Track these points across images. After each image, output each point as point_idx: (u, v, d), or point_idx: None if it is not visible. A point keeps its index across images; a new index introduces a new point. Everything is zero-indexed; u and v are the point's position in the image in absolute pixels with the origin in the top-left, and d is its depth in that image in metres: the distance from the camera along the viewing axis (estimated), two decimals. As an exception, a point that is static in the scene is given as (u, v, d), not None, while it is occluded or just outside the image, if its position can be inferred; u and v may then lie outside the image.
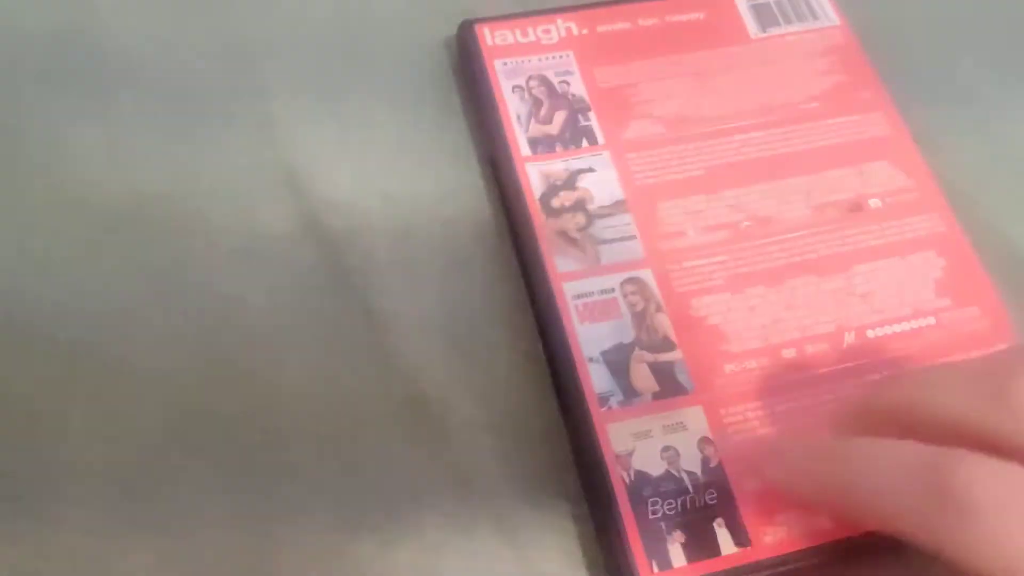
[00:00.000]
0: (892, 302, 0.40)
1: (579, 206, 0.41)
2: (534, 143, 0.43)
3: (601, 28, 0.47)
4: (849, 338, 0.39)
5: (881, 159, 0.44)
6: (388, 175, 0.43)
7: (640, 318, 0.39)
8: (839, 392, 0.37)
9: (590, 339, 0.38)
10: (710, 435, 0.36)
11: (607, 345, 0.38)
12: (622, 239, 0.41)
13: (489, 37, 0.46)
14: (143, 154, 0.43)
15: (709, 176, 0.43)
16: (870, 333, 0.39)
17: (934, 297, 0.40)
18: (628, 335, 0.38)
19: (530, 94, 0.44)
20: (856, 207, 0.42)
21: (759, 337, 0.39)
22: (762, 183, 0.43)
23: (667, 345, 0.38)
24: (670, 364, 0.38)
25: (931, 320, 0.40)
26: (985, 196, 0.45)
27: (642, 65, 0.46)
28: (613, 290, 0.39)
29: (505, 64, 0.45)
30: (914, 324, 0.39)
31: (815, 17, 0.48)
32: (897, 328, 0.39)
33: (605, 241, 0.40)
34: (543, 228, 0.41)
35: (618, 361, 0.38)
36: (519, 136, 0.43)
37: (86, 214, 0.41)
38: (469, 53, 0.46)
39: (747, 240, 0.41)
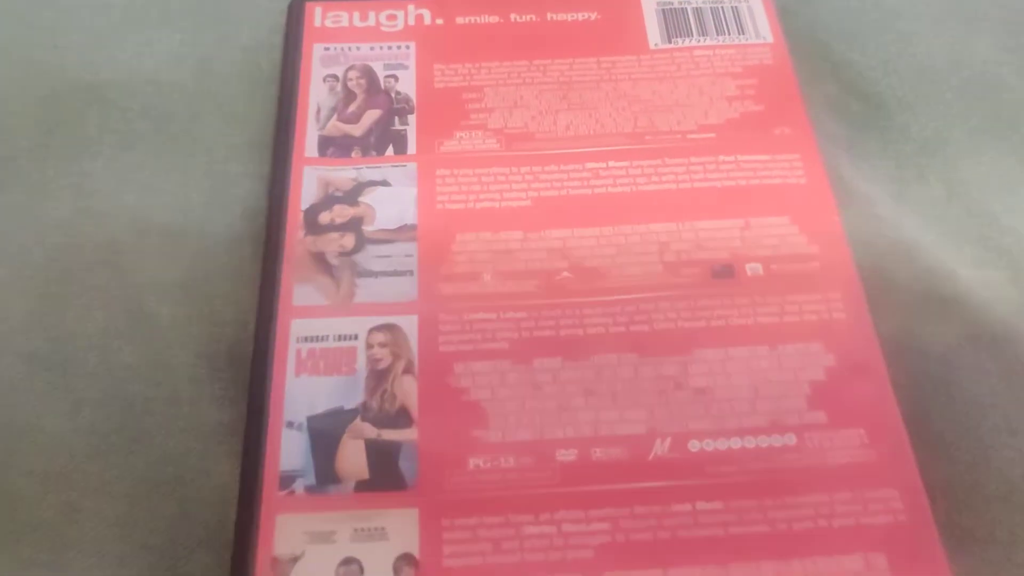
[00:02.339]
0: (740, 406, 0.29)
1: (353, 225, 0.33)
2: (326, 144, 0.35)
3: (461, 19, 0.38)
4: (661, 448, 0.28)
5: (781, 213, 0.33)
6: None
7: (379, 379, 0.29)
8: (621, 524, 0.27)
9: (301, 396, 0.29)
10: (416, 553, 0.26)
11: (321, 408, 0.29)
12: (394, 273, 0.31)
13: (319, 18, 0.39)
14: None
15: (536, 208, 0.33)
16: (694, 445, 0.28)
17: (805, 408, 0.29)
18: (354, 398, 0.29)
19: (344, 86, 0.36)
20: (727, 271, 0.32)
21: (532, 426, 0.28)
22: (605, 225, 0.33)
23: (401, 419, 0.29)
24: (396, 446, 0.28)
25: (791, 439, 0.28)
26: (910, 278, 0.34)
27: (495, 66, 0.37)
28: (356, 337, 0.30)
29: (326, 49, 0.37)
30: (763, 441, 0.28)
31: (742, 31, 0.38)
32: (736, 443, 0.28)
33: (370, 273, 0.31)
34: (296, 247, 0.32)
35: (327, 431, 0.28)
36: (310, 133, 0.35)
37: None
38: (290, 36, 0.38)
39: (560, 295, 0.31)
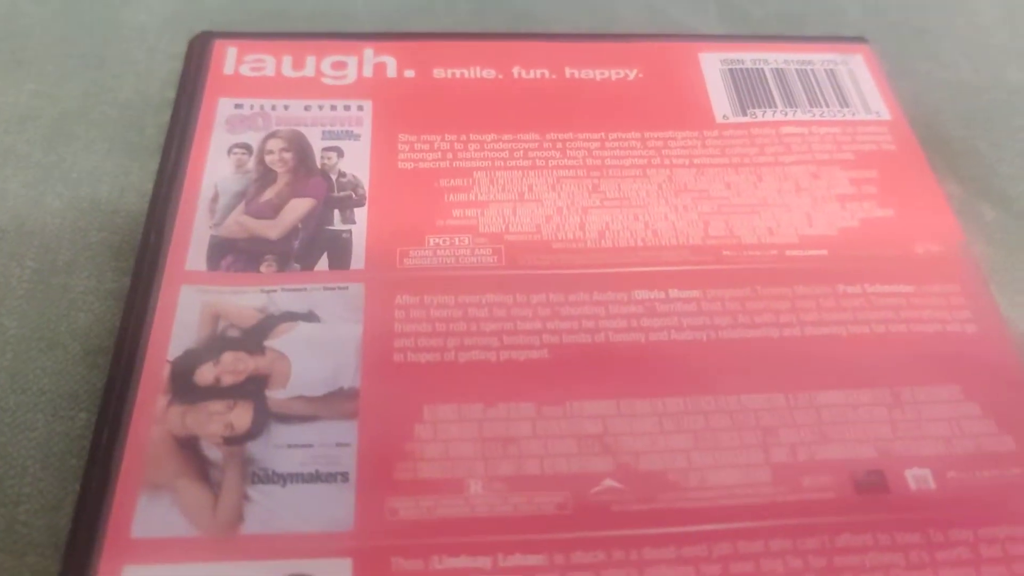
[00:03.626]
0: None
1: (253, 389, 0.20)
2: (221, 249, 0.23)
3: (441, 72, 0.27)
4: None
5: (947, 381, 0.21)
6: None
7: None
8: None
9: None
10: None
11: None
12: (315, 478, 0.19)
13: (231, 61, 0.27)
14: None
15: (557, 364, 0.21)
16: None
17: None
18: None
19: (259, 162, 0.25)
20: (875, 481, 0.20)
21: None
22: (670, 395, 0.21)
23: None
24: None
25: None
26: None
27: (491, 141, 0.25)
28: (240, 602, 0.17)
29: (237, 107, 0.26)
30: None
31: (845, 103, 0.27)
32: None
33: (274, 478, 0.19)
34: (150, 425, 0.19)
35: None
36: (197, 232, 0.23)
37: None
38: (186, 84, 0.27)
39: (602, 523, 0.19)
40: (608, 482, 0.19)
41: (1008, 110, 0.32)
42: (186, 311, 0.21)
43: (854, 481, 0.20)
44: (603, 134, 0.26)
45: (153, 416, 0.19)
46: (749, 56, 0.28)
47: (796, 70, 0.28)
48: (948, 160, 0.30)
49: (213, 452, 0.19)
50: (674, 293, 0.22)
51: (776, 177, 0.25)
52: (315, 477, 0.19)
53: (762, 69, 0.28)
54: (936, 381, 0.21)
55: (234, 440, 0.19)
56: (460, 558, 0.18)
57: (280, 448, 0.19)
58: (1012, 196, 0.30)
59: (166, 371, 0.20)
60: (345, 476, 0.19)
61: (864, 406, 0.21)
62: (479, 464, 0.19)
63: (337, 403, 0.20)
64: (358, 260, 0.23)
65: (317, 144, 0.25)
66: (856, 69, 0.29)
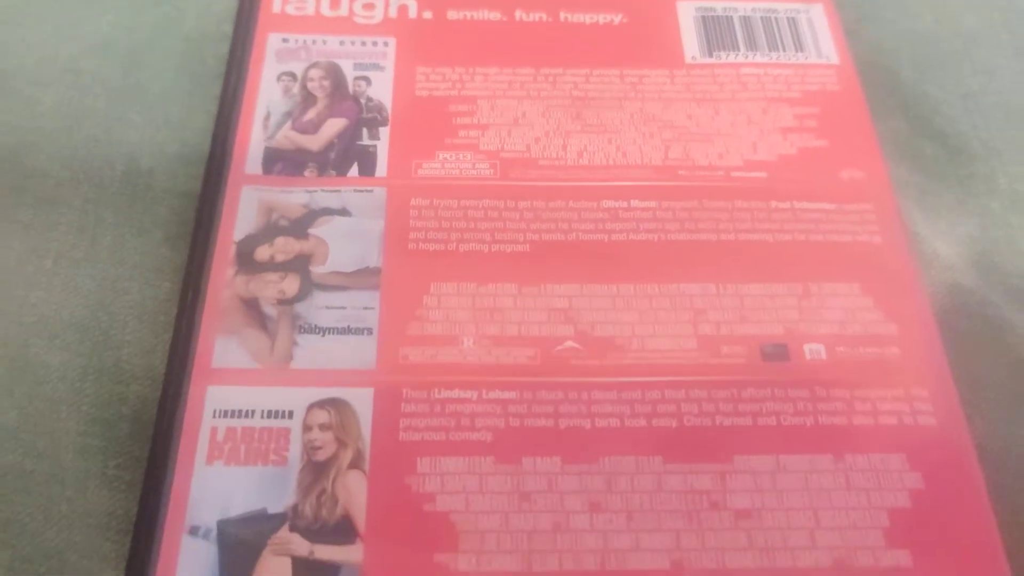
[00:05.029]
0: (795, 537, 0.23)
1: (298, 265, 0.27)
2: (273, 158, 0.29)
3: (454, 14, 0.33)
4: (689, 589, 0.23)
5: (850, 280, 0.28)
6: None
7: (317, 473, 0.24)
8: None
9: (212, 493, 0.23)
10: None
11: (237, 510, 0.23)
12: (347, 331, 0.26)
13: (279, 2, 0.33)
14: None
15: (536, 255, 0.28)
16: (734, 588, 0.23)
17: (882, 544, 0.23)
18: (283, 499, 0.23)
19: (303, 87, 0.31)
20: (779, 352, 0.26)
21: (517, 553, 0.23)
22: (624, 282, 0.27)
23: (342, 532, 0.23)
24: (332, 569, 0.22)
25: (862, 586, 0.23)
26: (1007, 371, 0.29)
27: (493, 74, 0.32)
28: (291, 415, 0.25)
29: (284, 41, 0.32)
30: (825, 587, 0.23)
31: (800, 48, 0.33)
32: (790, 589, 0.23)
33: (315, 329, 0.26)
34: (222, 289, 0.27)
35: (243, 543, 0.23)
36: (254, 143, 0.30)
37: None
38: (241, 21, 0.33)
39: (562, 372, 0.26)
40: (569, 343, 0.26)
41: (959, 58, 0.38)
42: (246, 205, 0.28)
43: (762, 351, 0.26)
44: (588, 70, 0.32)
45: (224, 283, 0.27)
46: (721, 5, 0.34)
47: (761, 17, 0.34)
48: (899, 100, 0.36)
49: (270, 310, 0.26)
50: (635, 203, 0.29)
51: (731, 111, 0.31)
52: (347, 331, 0.26)
53: (731, 16, 0.34)
54: (840, 279, 0.28)
55: (285, 302, 0.26)
56: (454, 391, 0.25)
57: (320, 309, 0.26)
58: (949, 134, 0.35)
59: (232, 250, 0.27)
60: (370, 331, 0.26)
61: (779, 296, 0.27)
62: (471, 326, 0.26)
63: (364, 278, 0.27)
64: (381, 169, 0.29)
65: (350, 74, 0.32)
66: (815, 18, 0.34)
